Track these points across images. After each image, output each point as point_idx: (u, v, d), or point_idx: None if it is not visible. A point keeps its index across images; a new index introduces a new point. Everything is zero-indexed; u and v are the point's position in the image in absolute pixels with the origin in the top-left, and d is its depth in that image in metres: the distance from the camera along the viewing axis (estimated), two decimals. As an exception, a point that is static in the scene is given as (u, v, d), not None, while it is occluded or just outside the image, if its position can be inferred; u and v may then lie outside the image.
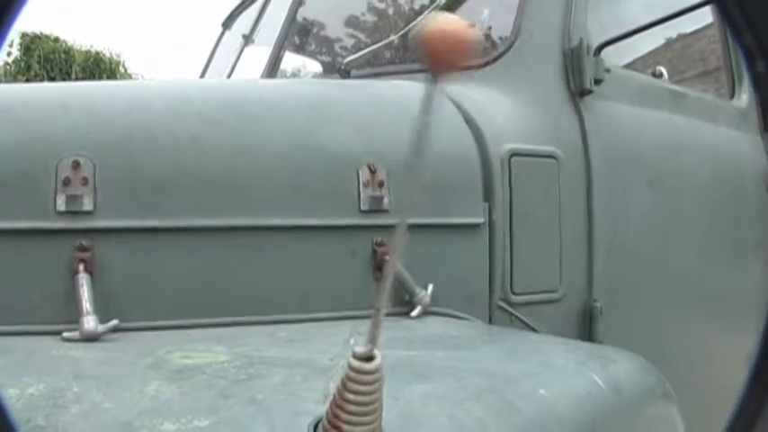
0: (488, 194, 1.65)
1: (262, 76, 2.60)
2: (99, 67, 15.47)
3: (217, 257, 1.41)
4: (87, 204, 1.33)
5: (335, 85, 1.94)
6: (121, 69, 15.97)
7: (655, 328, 2.04)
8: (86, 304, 1.25)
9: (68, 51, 15.36)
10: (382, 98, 1.71)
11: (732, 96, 2.61)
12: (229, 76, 3.09)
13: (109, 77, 15.38)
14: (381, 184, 1.51)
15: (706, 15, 2.45)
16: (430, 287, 1.52)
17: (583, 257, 1.84)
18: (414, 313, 1.49)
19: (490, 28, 2.08)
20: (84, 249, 1.32)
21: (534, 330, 1.69)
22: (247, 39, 3.10)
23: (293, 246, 1.46)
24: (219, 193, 1.42)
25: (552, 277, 1.76)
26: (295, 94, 1.70)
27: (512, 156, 1.68)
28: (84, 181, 1.33)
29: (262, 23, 3.06)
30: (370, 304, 0.68)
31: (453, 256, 1.60)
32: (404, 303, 1.50)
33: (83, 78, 14.90)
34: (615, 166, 1.93)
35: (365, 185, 1.50)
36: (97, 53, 15.68)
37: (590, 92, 1.89)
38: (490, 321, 1.64)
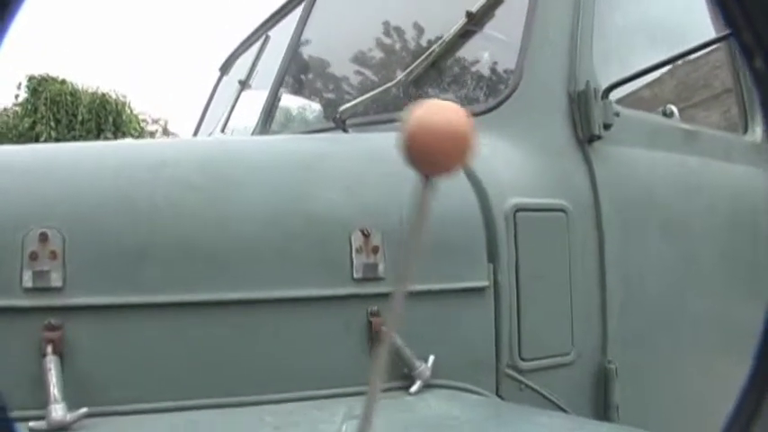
0: (493, 254, 1.54)
1: (258, 121, 2.53)
2: (105, 108, 15.58)
3: (198, 335, 1.31)
4: (56, 280, 1.24)
5: (326, 140, 1.84)
6: (127, 110, 16.06)
7: (675, 378, 1.93)
8: (54, 390, 1.16)
9: (75, 93, 15.48)
10: (376, 153, 1.59)
11: (745, 131, 2.51)
12: (226, 121, 3.04)
13: (115, 119, 15.49)
14: (376, 250, 1.40)
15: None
16: (430, 359, 1.41)
17: (596, 316, 1.73)
18: (413, 389, 1.38)
19: (490, 71, 1.99)
20: (52, 329, 1.22)
21: (545, 398, 1.58)
22: (244, 84, 3.06)
23: (281, 320, 1.35)
24: (201, 264, 1.32)
25: (563, 340, 1.65)
26: (281, 153, 1.59)
27: (517, 211, 1.57)
28: (53, 255, 1.24)
29: (259, 67, 3.01)
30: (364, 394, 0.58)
31: (456, 323, 1.49)
32: (402, 377, 1.39)
33: (89, 120, 15.01)
34: (627, 216, 1.82)
35: (358, 251, 1.40)
36: (103, 95, 15.79)
37: (599, 137, 1.78)
38: (498, 391, 1.53)
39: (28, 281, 1.23)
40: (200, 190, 1.37)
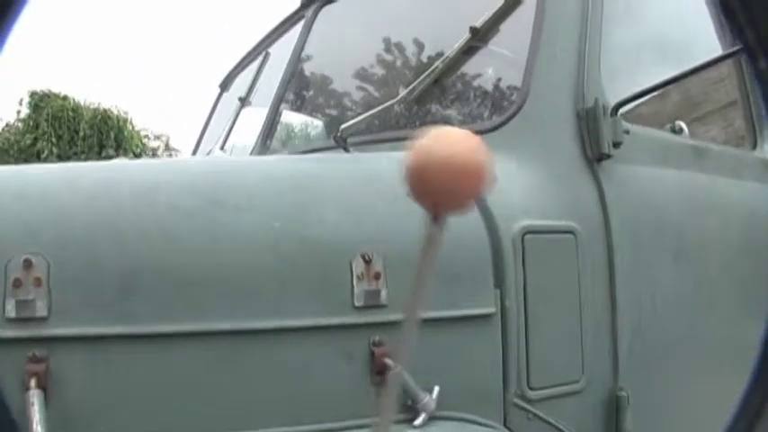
0: (499, 279, 1.48)
1: (258, 139, 2.48)
2: (106, 124, 15.55)
3: (191, 367, 1.24)
4: (41, 309, 1.18)
5: (325, 160, 1.78)
6: (129, 126, 16.03)
7: (689, 405, 1.87)
8: (37, 427, 1.10)
9: (76, 109, 15.46)
10: (377, 174, 1.53)
11: (754, 147, 2.45)
12: (226, 139, 2.98)
13: (117, 135, 15.47)
14: (378, 276, 1.34)
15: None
16: (435, 390, 1.35)
17: (606, 342, 1.67)
18: (417, 422, 1.32)
19: (495, 88, 1.93)
20: (37, 361, 1.16)
21: (555, 427, 1.52)
22: (244, 101, 3.00)
23: (279, 351, 1.29)
24: (194, 293, 1.25)
25: (573, 367, 1.59)
26: (278, 175, 1.53)
27: (525, 234, 1.52)
28: (38, 282, 1.18)
29: (259, 84, 2.96)
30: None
31: (462, 351, 1.43)
32: (406, 409, 1.33)
33: (91, 136, 14.99)
34: (638, 237, 1.76)
35: (359, 278, 1.33)
36: (105, 111, 15.76)
37: (608, 156, 1.72)
38: (505, 421, 1.48)
39: (11, 310, 1.16)
40: (192, 215, 1.31)
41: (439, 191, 0.46)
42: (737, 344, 2.01)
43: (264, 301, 1.29)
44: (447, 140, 0.47)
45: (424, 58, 2.11)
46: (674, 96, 2.47)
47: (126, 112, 16.11)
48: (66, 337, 1.18)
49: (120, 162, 1.86)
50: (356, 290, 1.33)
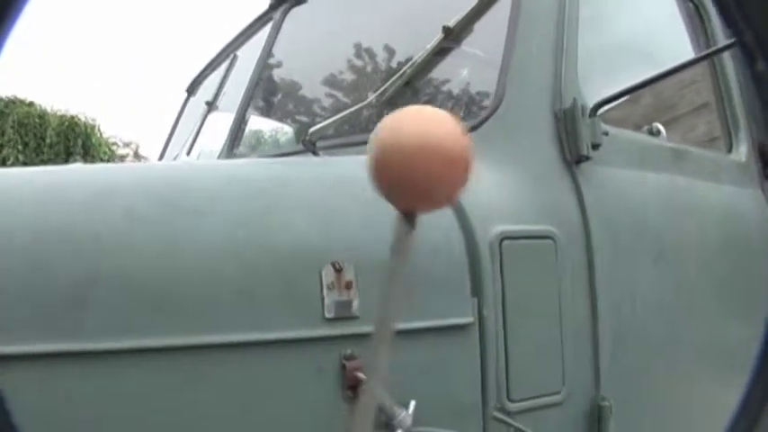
0: (477, 288, 1.43)
1: (224, 144, 2.40)
2: (74, 131, 15.29)
3: (149, 386, 1.16)
4: None
5: (291, 164, 1.71)
6: (97, 133, 15.80)
7: (673, 412, 1.84)
8: None
9: (43, 116, 15.21)
10: (347, 177, 1.47)
11: (730, 150, 2.43)
12: (192, 144, 2.90)
13: (84, 142, 15.25)
14: (349, 286, 1.27)
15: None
16: (411, 405, 1.28)
17: (587, 350, 1.64)
18: None
19: (469, 89, 1.87)
20: None
21: (536, 441, 1.46)
22: (210, 105, 2.93)
23: (244, 367, 1.22)
24: (151, 305, 1.17)
25: (554, 377, 1.55)
26: (242, 178, 1.45)
27: (502, 239, 1.47)
28: None
29: (226, 88, 2.89)
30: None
31: (438, 363, 1.37)
32: (381, 426, 1.26)
33: (57, 143, 14.77)
34: (617, 241, 1.72)
35: (330, 288, 1.27)
36: (72, 117, 15.50)
37: (587, 158, 1.68)
38: None
39: None
40: (151, 221, 1.22)
41: (414, 181, 0.39)
42: (718, 345, 1.99)
43: (227, 312, 1.21)
44: (423, 120, 0.39)
45: (396, 60, 2.05)
46: (645, 100, 2.45)
47: (94, 120, 15.88)
48: (12, 355, 1.09)
49: (75, 165, 1.77)
50: (326, 300, 1.26)
